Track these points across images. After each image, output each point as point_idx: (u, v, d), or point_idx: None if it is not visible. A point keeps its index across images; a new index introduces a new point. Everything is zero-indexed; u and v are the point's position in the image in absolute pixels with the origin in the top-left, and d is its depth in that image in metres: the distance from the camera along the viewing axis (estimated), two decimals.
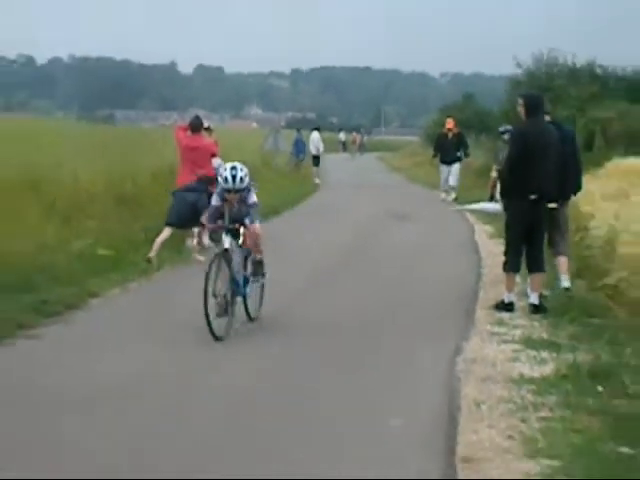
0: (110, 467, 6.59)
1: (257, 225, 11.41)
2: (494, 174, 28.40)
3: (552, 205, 12.95)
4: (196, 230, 17.08)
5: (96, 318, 11.92)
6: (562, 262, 13.62)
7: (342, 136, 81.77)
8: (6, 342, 10.19)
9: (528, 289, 13.17)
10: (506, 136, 28.28)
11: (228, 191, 10.90)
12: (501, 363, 10.05)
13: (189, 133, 18.02)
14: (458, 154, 33.17)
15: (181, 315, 12.01)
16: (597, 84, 43.09)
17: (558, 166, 12.92)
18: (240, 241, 10.99)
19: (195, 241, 17.29)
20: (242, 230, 10.93)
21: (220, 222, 11.13)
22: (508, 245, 13.37)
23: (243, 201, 11.12)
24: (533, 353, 10.47)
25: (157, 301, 13.27)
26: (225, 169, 10.84)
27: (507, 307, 12.97)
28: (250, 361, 9.98)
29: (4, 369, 9.31)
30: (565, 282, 13.30)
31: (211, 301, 10.41)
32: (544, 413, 8.23)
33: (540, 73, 45.14)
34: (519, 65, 46.03)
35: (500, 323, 12.15)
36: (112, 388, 8.60)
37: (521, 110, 13.11)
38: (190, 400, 8.44)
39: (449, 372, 9.63)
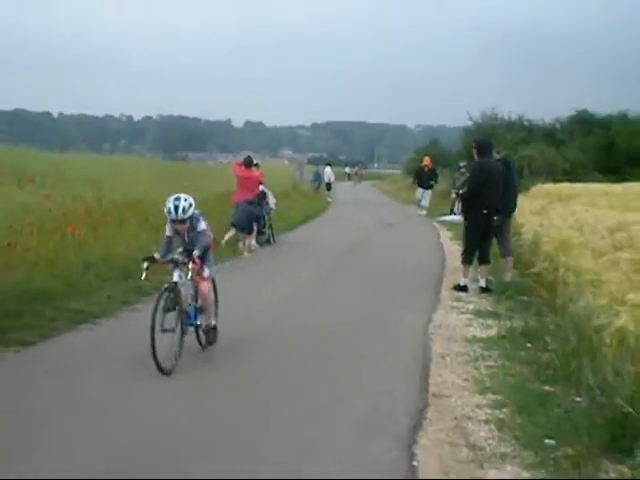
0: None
1: (205, 284, 8.61)
2: (453, 195, 28.60)
3: (495, 217, 12.96)
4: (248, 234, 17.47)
5: None
6: (509, 261, 13.67)
7: (347, 169, 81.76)
8: (115, 314, 10.29)
9: (478, 276, 13.18)
10: (462, 170, 28.67)
11: (174, 221, 8.35)
12: (459, 328, 10.05)
13: (243, 167, 18.31)
14: (431, 182, 33.35)
15: (228, 295, 12.11)
16: (525, 132, 43.16)
17: (504, 189, 13.03)
18: (189, 276, 8.00)
19: (246, 242, 17.50)
20: (190, 265, 7.97)
21: (169, 255, 8.34)
22: (467, 245, 13.40)
23: (194, 229, 8.47)
24: (482, 321, 10.47)
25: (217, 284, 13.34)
26: (170, 200, 8.33)
27: (463, 288, 12.99)
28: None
29: (116, 331, 9.42)
30: (508, 278, 13.30)
31: (159, 335, 7.36)
32: (490, 362, 8.22)
33: (485, 124, 45.19)
34: (470, 119, 46.16)
35: (458, 300, 12.16)
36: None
37: (474, 151, 13.26)
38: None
39: (423, 334, 9.63)
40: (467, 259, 13.30)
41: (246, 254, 17.24)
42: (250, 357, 8.33)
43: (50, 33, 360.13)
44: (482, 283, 13.05)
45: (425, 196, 33.19)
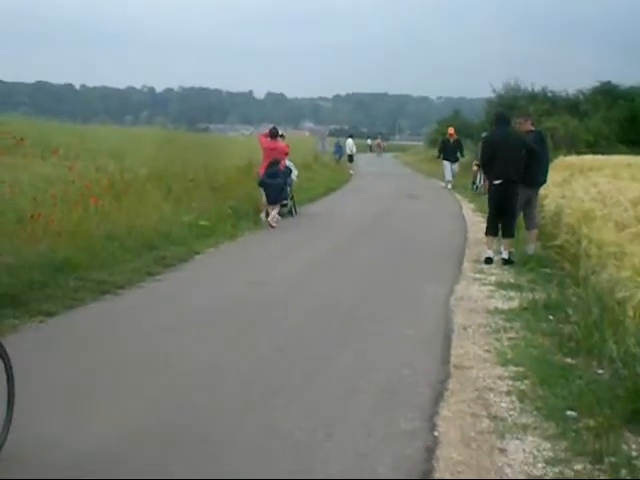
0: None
1: None
2: (474, 167, 28.57)
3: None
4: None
5: (199, 267, 12.05)
6: (533, 233, 13.52)
7: (369, 141, 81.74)
8: (140, 285, 10.31)
9: (501, 248, 13.11)
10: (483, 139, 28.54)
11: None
12: (481, 299, 10.03)
13: (269, 139, 18.28)
14: (457, 155, 31.91)
15: (251, 264, 12.20)
16: (548, 103, 42.84)
17: (531, 162, 12.84)
18: None
19: (272, 213, 17.50)
20: None
21: None
22: (487, 216, 13.48)
23: None
24: (504, 292, 10.44)
25: (238, 255, 13.42)
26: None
27: (487, 260, 12.94)
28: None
29: (140, 300, 9.47)
30: (531, 250, 13.20)
31: None
32: (512, 334, 8.20)
33: (508, 96, 44.88)
34: (493, 90, 45.85)
35: (480, 271, 12.13)
36: (209, 308, 8.76)
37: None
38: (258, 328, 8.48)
39: (445, 306, 9.63)
40: (488, 230, 13.32)
41: (273, 223, 17.27)
42: (273, 325, 8.38)
43: (69, 5, 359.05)
44: (505, 255, 12.95)
45: (453, 168, 31.81)
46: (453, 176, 31.73)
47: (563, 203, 14.23)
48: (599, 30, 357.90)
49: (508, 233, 13.11)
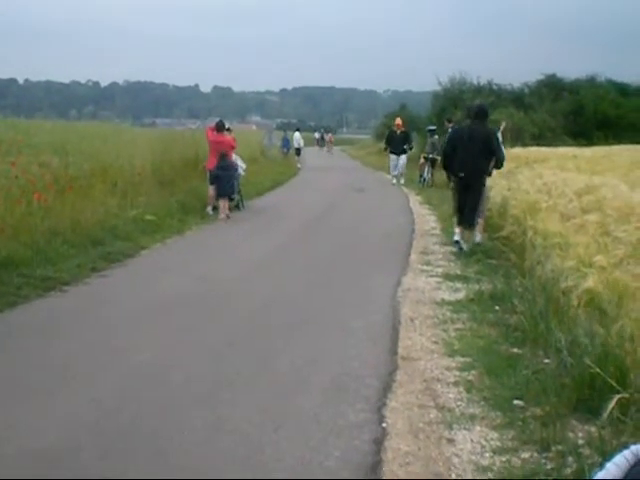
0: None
1: None
2: (421, 160, 28.69)
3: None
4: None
5: (145, 262, 11.96)
6: (480, 223, 13.63)
7: (317, 135, 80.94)
8: (85, 281, 10.18)
9: (457, 237, 13.27)
10: (433, 134, 28.55)
11: None
12: (428, 291, 10.07)
13: (215, 132, 18.22)
14: (405, 147, 29.61)
15: (199, 258, 12.13)
16: (493, 96, 43.24)
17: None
18: None
19: (223, 206, 17.48)
20: None
21: None
22: (454, 209, 13.64)
23: None
24: (450, 284, 10.50)
25: (185, 250, 13.34)
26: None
27: (456, 243, 13.20)
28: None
29: (85, 296, 9.34)
30: (477, 238, 13.30)
31: None
32: (458, 325, 8.26)
33: (454, 89, 45.23)
34: (439, 83, 46.13)
35: (427, 263, 12.19)
36: (155, 304, 8.66)
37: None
38: (212, 318, 8.43)
39: (392, 297, 9.66)
40: (456, 220, 13.47)
41: (222, 216, 17.21)
42: (222, 320, 8.33)
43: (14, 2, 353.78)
44: (478, 238, 13.14)
45: (400, 163, 29.85)
46: (401, 173, 30.20)
47: (509, 195, 14.36)
48: (543, 20, 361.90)
49: (467, 223, 13.28)
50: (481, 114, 13.46)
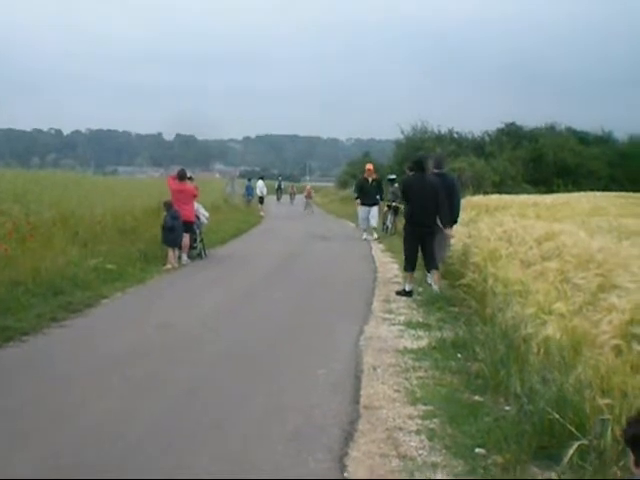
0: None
1: None
2: (385, 208, 28.57)
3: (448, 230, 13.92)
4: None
5: (105, 312, 11.85)
6: (434, 273, 13.82)
7: (280, 184, 79.23)
8: (44, 331, 10.10)
9: (431, 281, 13.76)
10: (393, 182, 28.58)
11: None
12: (390, 339, 10.09)
13: (177, 181, 18.28)
14: (377, 197, 26.61)
15: (160, 307, 12.09)
16: (454, 144, 43.87)
17: (440, 203, 13.57)
18: None
19: (175, 254, 17.43)
20: None
21: None
22: (406, 254, 14.01)
23: None
24: (413, 332, 10.53)
25: (147, 298, 13.28)
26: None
27: (408, 293, 13.57)
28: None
29: (45, 348, 9.26)
30: (435, 288, 13.46)
31: None
32: (421, 373, 8.29)
33: (415, 137, 45.81)
34: (402, 132, 46.73)
35: (390, 311, 12.19)
36: (115, 354, 8.59)
37: (407, 170, 14.31)
38: (170, 372, 8.39)
39: (355, 346, 9.66)
40: (406, 266, 13.93)
41: (169, 266, 17.05)
42: (183, 368, 8.30)
43: None
44: (435, 287, 13.42)
45: (373, 215, 26.48)
46: (373, 227, 26.94)
47: (470, 242, 14.48)
48: (504, 72, 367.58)
49: (432, 265, 13.72)
50: (418, 166, 14.05)
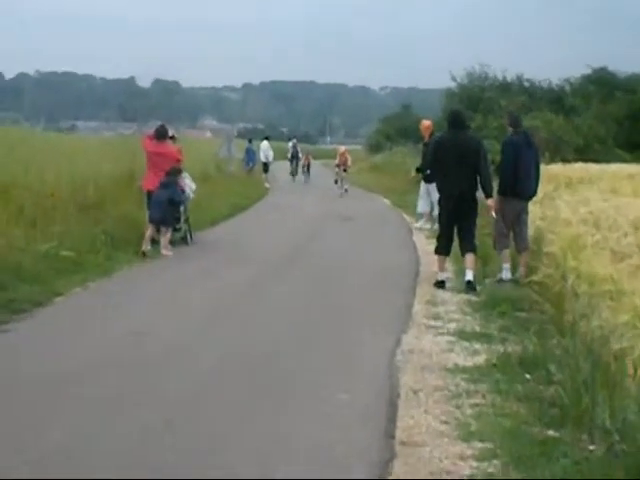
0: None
1: None
2: None
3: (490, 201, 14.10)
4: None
5: (60, 313, 11.90)
6: (524, 256, 14.26)
7: (290, 144, 75.07)
8: None
9: (466, 267, 14.09)
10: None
11: None
12: (437, 354, 10.05)
13: (155, 141, 18.19)
14: None
15: (131, 309, 12.10)
16: (524, 96, 43.51)
17: (517, 169, 14.05)
18: None
19: (167, 237, 17.44)
20: None
21: None
22: (439, 232, 14.66)
23: None
24: (466, 344, 10.50)
25: (114, 297, 13.27)
26: None
27: (440, 284, 14.16)
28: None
29: None
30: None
31: None
32: (476, 399, 8.26)
33: (472, 86, 45.51)
34: (454, 79, 46.39)
35: (436, 317, 12.13)
36: (73, 370, 8.59)
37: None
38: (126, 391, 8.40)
39: (389, 363, 9.64)
40: (438, 248, 14.44)
41: (165, 252, 17.17)
42: (160, 389, 8.30)
43: None
44: (468, 276, 13.83)
45: (431, 193, 22.08)
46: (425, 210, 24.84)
47: (544, 226, 14.43)
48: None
49: (469, 245, 14.08)
50: (456, 122, 14.52)
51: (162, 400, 8.08)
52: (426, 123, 25.23)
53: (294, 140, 61.48)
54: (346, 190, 40.57)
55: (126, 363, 9.28)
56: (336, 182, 42.08)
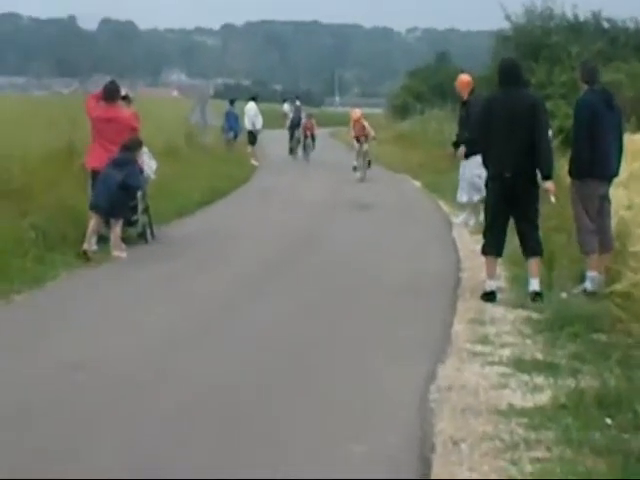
0: None
1: None
2: None
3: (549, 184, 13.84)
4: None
5: None
6: (603, 258, 14.11)
7: (285, 107, 74.76)
8: None
9: (529, 274, 14.00)
10: None
11: None
12: (485, 390, 10.04)
13: (103, 103, 18.05)
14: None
15: (71, 331, 12.09)
16: (604, 41, 43.45)
17: (596, 140, 13.87)
18: None
19: (116, 232, 17.36)
20: None
21: None
22: (486, 226, 14.55)
23: None
24: (525, 378, 10.48)
25: (46, 314, 13.25)
26: None
27: (487, 297, 14.10)
28: None
29: None
30: (592, 285, 13.56)
31: None
32: (539, 453, 8.23)
33: (534, 27, 45.43)
34: (508, 18, 46.25)
35: (484, 340, 12.14)
36: None
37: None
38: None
39: (420, 402, 9.63)
40: (485, 246, 14.30)
41: (117, 253, 17.13)
42: (108, 446, 8.29)
43: None
44: (534, 285, 13.73)
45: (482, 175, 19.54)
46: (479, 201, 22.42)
47: (630, 218, 14.41)
48: None
49: (533, 247, 13.94)
50: (509, 77, 14.33)
51: (109, 459, 8.02)
52: (465, 79, 24.84)
53: (296, 101, 60.21)
54: (369, 163, 39.13)
55: (57, 409, 9.19)
56: (355, 169, 38.99)
